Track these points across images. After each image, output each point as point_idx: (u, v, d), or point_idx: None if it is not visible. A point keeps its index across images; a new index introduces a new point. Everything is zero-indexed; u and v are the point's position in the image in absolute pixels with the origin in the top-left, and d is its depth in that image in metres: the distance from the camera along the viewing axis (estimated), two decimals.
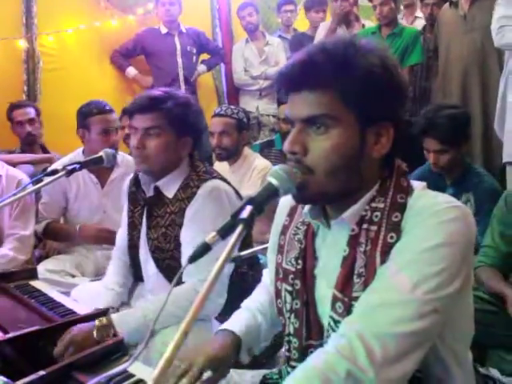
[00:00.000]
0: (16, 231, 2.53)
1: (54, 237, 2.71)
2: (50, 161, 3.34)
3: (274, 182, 0.94)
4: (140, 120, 1.75)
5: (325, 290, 1.07)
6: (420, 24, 4.66)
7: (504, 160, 3.00)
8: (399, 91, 1.03)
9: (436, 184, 2.61)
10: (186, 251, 1.73)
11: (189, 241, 1.72)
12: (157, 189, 1.83)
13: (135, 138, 1.75)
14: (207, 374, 1.13)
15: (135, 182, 1.92)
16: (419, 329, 0.88)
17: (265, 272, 1.41)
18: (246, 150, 3.16)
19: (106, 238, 2.51)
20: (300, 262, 1.11)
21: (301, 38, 4.77)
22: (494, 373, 1.86)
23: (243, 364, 1.29)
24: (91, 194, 2.62)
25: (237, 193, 1.89)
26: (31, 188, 1.83)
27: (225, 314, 1.75)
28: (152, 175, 1.84)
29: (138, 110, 1.75)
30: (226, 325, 1.28)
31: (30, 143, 3.55)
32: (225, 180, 1.86)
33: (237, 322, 1.28)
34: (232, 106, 3.15)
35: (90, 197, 2.62)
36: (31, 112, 3.51)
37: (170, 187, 1.81)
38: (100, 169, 2.45)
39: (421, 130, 2.55)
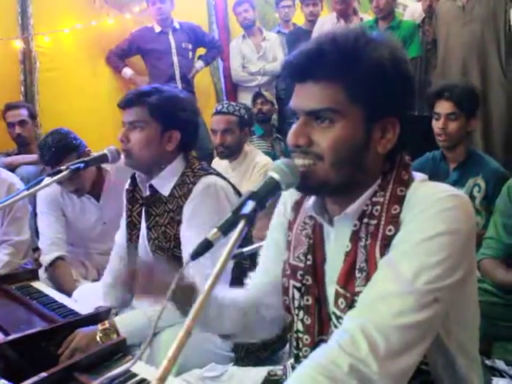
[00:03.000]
0: (10, 237, 2.50)
1: (55, 277, 2.46)
2: None
3: (276, 176, 0.92)
4: (125, 114, 1.77)
5: (331, 285, 1.06)
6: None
7: None
8: (407, 86, 1.01)
9: (439, 170, 2.61)
10: (186, 248, 1.72)
11: (188, 239, 1.71)
12: (152, 187, 1.82)
13: (121, 131, 1.77)
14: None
15: (132, 180, 1.91)
16: (421, 320, 0.87)
17: (253, 275, 1.31)
18: (247, 147, 3.14)
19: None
20: (310, 257, 1.09)
21: (297, 32, 4.77)
22: (500, 364, 1.86)
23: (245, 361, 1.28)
24: (88, 210, 2.54)
25: (234, 188, 1.87)
26: (31, 190, 1.79)
27: None
28: (140, 170, 1.83)
29: (124, 105, 1.77)
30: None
31: (21, 144, 3.54)
32: (221, 176, 1.85)
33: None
34: (233, 103, 3.11)
35: (88, 213, 2.55)
36: (23, 113, 3.50)
37: (164, 185, 1.79)
38: (88, 186, 2.44)
39: (436, 92, 2.54)
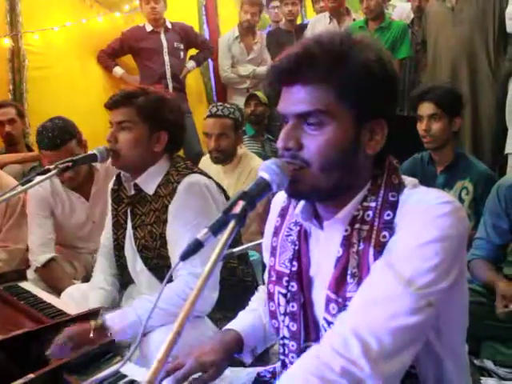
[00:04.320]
0: (7, 244, 2.48)
1: (48, 277, 2.43)
2: (38, 159, 3.30)
3: (266, 176, 0.92)
4: (113, 114, 1.77)
5: (319, 291, 1.05)
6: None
7: (507, 151, 3.02)
8: (394, 87, 1.01)
9: (426, 172, 2.63)
10: (173, 248, 1.72)
11: (175, 238, 1.72)
12: (137, 186, 1.82)
13: (109, 131, 1.77)
14: (194, 376, 1.13)
15: (117, 180, 1.91)
16: (414, 323, 0.87)
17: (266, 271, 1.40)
18: (241, 150, 3.05)
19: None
20: (295, 263, 1.09)
21: (276, 32, 4.77)
22: (489, 364, 1.87)
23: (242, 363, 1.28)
24: (78, 210, 2.54)
25: (218, 186, 1.87)
26: (21, 188, 1.77)
27: (215, 310, 1.73)
28: (127, 170, 1.83)
29: (112, 105, 1.77)
30: (231, 325, 1.28)
31: (9, 143, 3.52)
32: (205, 174, 1.85)
33: (241, 323, 1.28)
34: (227, 105, 3.00)
35: (77, 213, 2.54)
36: (11, 112, 3.46)
37: (149, 184, 1.80)
38: (79, 183, 2.43)
39: (418, 94, 2.59)
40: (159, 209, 1.77)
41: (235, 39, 4.75)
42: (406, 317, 0.87)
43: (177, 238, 1.70)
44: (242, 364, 1.30)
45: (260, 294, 1.38)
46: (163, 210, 1.75)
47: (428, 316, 0.89)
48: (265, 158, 3.52)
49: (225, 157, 2.94)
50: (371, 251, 0.96)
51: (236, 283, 1.90)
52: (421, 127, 2.54)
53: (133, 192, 1.83)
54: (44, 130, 2.32)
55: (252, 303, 1.38)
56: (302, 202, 1.07)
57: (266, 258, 1.25)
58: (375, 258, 0.95)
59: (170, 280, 1.66)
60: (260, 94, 4.13)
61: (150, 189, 1.79)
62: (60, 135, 2.28)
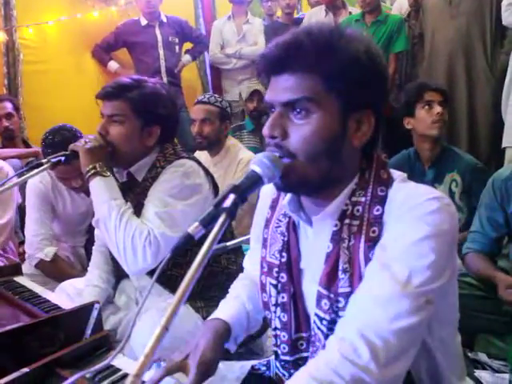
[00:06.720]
0: None
1: (55, 270, 2.46)
2: (37, 154, 3.30)
3: (258, 169, 0.92)
4: (105, 106, 1.73)
5: (309, 284, 1.06)
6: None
7: (504, 145, 3.02)
8: (382, 80, 1.01)
9: (414, 169, 2.64)
10: (143, 215, 1.68)
11: (147, 200, 1.70)
12: (130, 174, 1.80)
13: (100, 123, 1.74)
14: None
15: (109, 169, 1.89)
16: (416, 322, 0.87)
17: (246, 259, 1.39)
18: (229, 142, 3.10)
19: None
20: (284, 254, 1.09)
21: (274, 26, 4.77)
22: (482, 357, 1.88)
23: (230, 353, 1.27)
24: (78, 206, 2.56)
25: (208, 173, 1.83)
26: (15, 181, 1.76)
27: (196, 298, 1.73)
28: (119, 165, 1.81)
29: (104, 97, 1.74)
30: (217, 314, 1.25)
31: (7, 138, 3.52)
32: (193, 158, 1.81)
33: (227, 311, 1.25)
34: (216, 95, 3.09)
35: (78, 209, 2.57)
36: (8, 106, 3.49)
37: (141, 172, 1.79)
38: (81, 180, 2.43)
39: (424, 83, 2.66)
40: (140, 192, 1.75)
41: (228, 19, 4.77)
42: (408, 317, 0.87)
43: (149, 200, 1.69)
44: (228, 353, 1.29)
45: (243, 281, 1.36)
46: (144, 194, 1.73)
47: (428, 313, 0.89)
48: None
49: (208, 143, 2.96)
50: (362, 246, 0.96)
51: (220, 271, 1.86)
52: (434, 111, 2.55)
53: (125, 179, 1.82)
54: (51, 143, 2.31)
55: (233, 290, 1.35)
56: (290, 194, 1.07)
57: (254, 246, 1.25)
58: (365, 254, 0.95)
59: (160, 274, 1.64)
60: (263, 88, 4.12)
61: (140, 176, 1.79)
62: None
